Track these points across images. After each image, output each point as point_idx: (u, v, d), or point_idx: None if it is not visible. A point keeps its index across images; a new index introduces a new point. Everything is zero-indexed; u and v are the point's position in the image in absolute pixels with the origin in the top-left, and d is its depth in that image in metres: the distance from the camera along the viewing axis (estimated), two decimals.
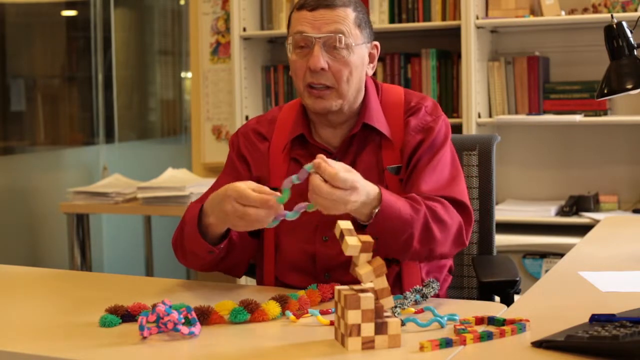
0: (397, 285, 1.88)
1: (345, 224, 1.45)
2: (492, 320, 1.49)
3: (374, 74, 2.01)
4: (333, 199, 1.58)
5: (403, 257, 1.82)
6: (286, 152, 1.96)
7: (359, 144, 1.94)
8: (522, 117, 3.74)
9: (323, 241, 1.89)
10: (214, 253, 1.81)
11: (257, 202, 1.62)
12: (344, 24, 1.85)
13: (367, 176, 1.90)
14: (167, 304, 1.47)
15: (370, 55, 1.94)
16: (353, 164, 1.91)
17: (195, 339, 1.46)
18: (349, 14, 1.86)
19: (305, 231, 1.90)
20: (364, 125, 1.93)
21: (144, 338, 1.45)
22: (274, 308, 1.58)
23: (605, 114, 3.69)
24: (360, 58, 1.89)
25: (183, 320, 1.47)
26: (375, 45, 1.96)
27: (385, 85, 2.02)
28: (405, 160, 1.91)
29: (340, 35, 1.84)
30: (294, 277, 1.90)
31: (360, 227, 1.67)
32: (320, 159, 1.58)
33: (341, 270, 1.83)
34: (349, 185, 1.59)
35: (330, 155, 1.92)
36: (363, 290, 1.40)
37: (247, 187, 1.64)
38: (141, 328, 1.45)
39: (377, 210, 1.67)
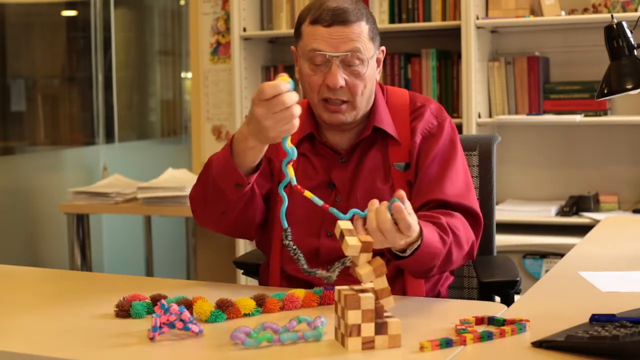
0: (399, 279, 1.90)
1: (345, 224, 1.45)
2: (492, 320, 1.49)
3: None
4: (390, 239, 1.53)
5: (419, 277, 1.84)
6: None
7: (366, 145, 1.97)
8: (522, 117, 3.74)
9: (328, 236, 1.91)
10: (242, 188, 1.77)
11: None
12: (359, 40, 1.85)
13: (373, 174, 1.92)
14: (165, 305, 1.47)
15: (377, 60, 1.95)
16: (360, 164, 1.95)
17: (196, 338, 1.46)
18: (363, 29, 1.86)
19: (312, 225, 1.93)
20: (373, 128, 1.95)
21: (152, 339, 1.44)
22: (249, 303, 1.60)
23: (605, 114, 3.69)
24: (373, 69, 1.91)
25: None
26: (382, 50, 1.96)
27: (390, 87, 2.06)
28: (415, 159, 1.93)
29: (357, 52, 1.85)
30: (297, 267, 1.90)
31: (391, 254, 1.66)
32: (402, 198, 1.52)
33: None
34: (411, 233, 1.56)
35: (338, 155, 1.96)
36: (363, 290, 1.40)
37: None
38: (154, 329, 1.44)
39: (416, 246, 1.64)
